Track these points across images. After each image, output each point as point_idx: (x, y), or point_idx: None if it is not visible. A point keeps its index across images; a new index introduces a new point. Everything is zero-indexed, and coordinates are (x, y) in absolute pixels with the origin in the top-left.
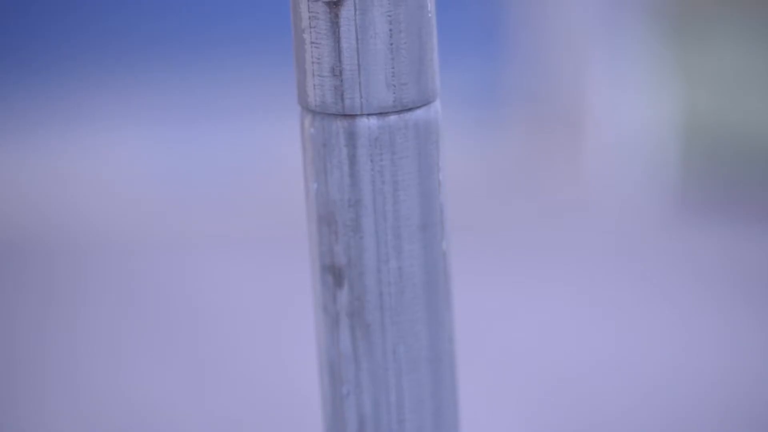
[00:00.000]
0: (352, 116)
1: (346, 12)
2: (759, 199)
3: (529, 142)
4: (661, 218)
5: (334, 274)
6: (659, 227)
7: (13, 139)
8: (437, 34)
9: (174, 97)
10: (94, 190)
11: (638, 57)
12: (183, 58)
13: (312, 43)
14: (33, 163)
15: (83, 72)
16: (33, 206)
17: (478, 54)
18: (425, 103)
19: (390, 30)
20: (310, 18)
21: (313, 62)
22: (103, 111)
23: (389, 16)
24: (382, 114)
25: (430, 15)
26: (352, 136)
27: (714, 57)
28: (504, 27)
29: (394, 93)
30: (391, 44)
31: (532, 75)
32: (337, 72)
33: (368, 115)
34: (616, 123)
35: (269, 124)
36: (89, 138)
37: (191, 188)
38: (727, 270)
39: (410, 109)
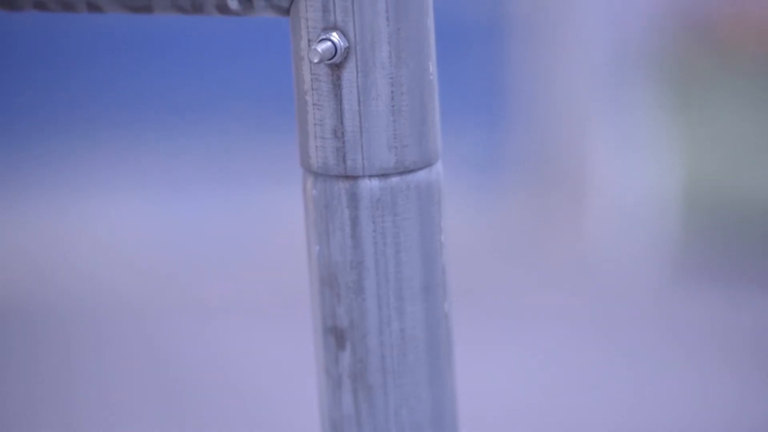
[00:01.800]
0: (354, 178)
1: (348, 74)
2: (761, 265)
3: (530, 206)
4: (662, 283)
5: (336, 336)
6: (660, 292)
7: (17, 203)
8: (439, 97)
9: (179, 160)
10: (98, 254)
11: (640, 122)
12: (188, 122)
13: (314, 105)
14: (37, 228)
15: (86, 136)
16: (37, 271)
17: (481, 118)
18: (427, 164)
19: (392, 92)
20: (312, 80)
21: (315, 124)
22: (107, 175)
23: (391, 78)
24: (384, 175)
25: (431, 77)
26: (354, 198)
27: (716, 122)
28: (506, 91)
29: (395, 154)
30: (393, 106)
31: (535, 139)
32: (339, 134)
33: (370, 176)
34: (618, 188)
35: (271, 186)
36: (92, 202)
37: (193, 252)
38: (729, 335)
39: (412, 171)
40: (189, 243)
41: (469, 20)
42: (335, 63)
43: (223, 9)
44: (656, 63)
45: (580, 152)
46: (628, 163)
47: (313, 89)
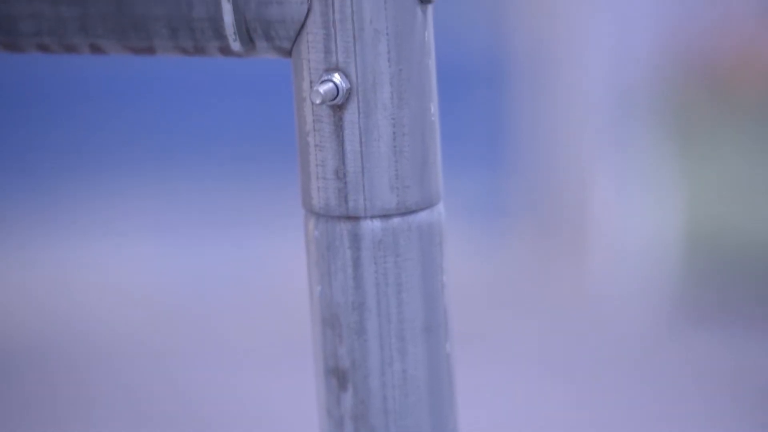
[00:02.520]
0: (356, 218)
1: (350, 115)
2: (764, 309)
3: (531, 250)
4: (664, 328)
5: (338, 377)
6: (662, 337)
7: (21, 246)
8: (440, 138)
9: (178, 204)
10: (103, 297)
11: (642, 165)
12: (191, 164)
13: (316, 145)
14: (39, 271)
15: (86, 182)
16: (42, 313)
17: (482, 161)
18: (429, 205)
19: (393, 133)
20: (314, 121)
21: (317, 165)
22: (110, 217)
23: (393, 119)
24: (385, 216)
25: (433, 118)
26: (356, 239)
27: (718, 165)
28: (508, 134)
29: (397, 195)
30: (395, 147)
31: (536, 182)
32: (341, 174)
33: (372, 217)
34: (620, 231)
35: (273, 228)
36: (96, 245)
37: (197, 294)
38: (732, 380)
39: (414, 212)
40: (192, 285)
41: (471, 63)
42: (337, 104)
43: (226, 51)
44: (658, 106)
45: (582, 195)
46: (630, 206)
47: (315, 130)
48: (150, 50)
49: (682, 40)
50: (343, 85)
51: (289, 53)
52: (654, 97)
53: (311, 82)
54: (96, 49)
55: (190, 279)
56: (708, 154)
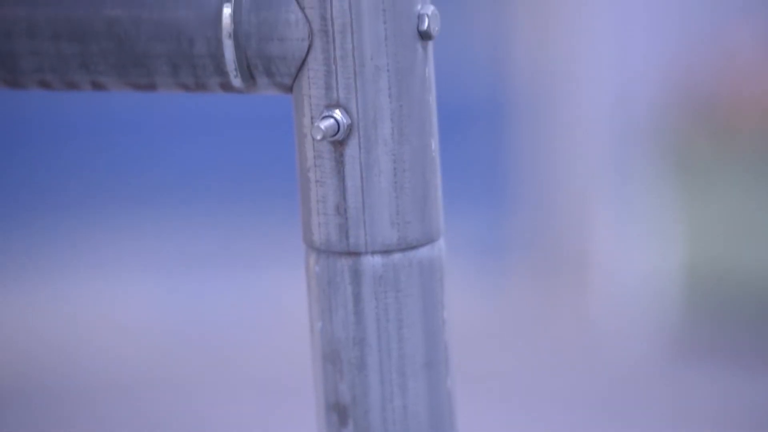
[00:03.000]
0: (357, 254)
1: (351, 151)
2: (765, 346)
3: (532, 287)
4: (664, 365)
5: (338, 412)
6: (663, 374)
7: (23, 283)
8: (441, 175)
9: (182, 240)
10: (106, 334)
11: (643, 202)
12: (191, 201)
13: (317, 181)
14: (44, 307)
15: (91, 216)
16: (39, 348)
17: (482, 199)
18: (429, 241)
19: (394, 169)
20: (314, 157)
21: (317, 201)
22: (113, 255)
23: (393, 154)
24: (386, 252)
25: (434, 154)
26: (356, 274)
27: (719, 202)
28: (509, 171)
29: (398, 231)
30: (396, 183)
31: (537, 219)
32: (341, 210)
33: (373, 253)
34: (621, 269)
35: (274, 264)
36: (99, 282)
37: (195, 331)
38: (733, 417)
39: (414, 247)
40: (195, 322)
41: (472, 100)
42: (338, 140)
43: (227, 87)
44: (659, 143)
45: (583, 233)
46: (631, 244)
47: (315, 166)
48: (151, 87)
49: (684, 77)
50: (344, 121)
51: (290, 89)
52: (655, 134)
53: (312, 118)
54: (97, 86)
55: (192, 315)
56: (709, 192)
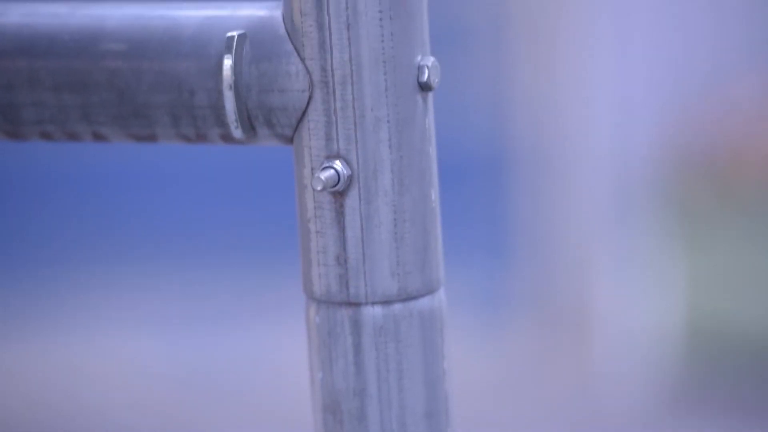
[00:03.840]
0: (357, 304)
1: (351, 201)
2: (765, 400)
3: (532, 338)
4: (665, 420)
5: None
6: (663, 428)
7: (20, 336)
8: (441, 226)
9: (179, 294)
10: (97, 390)
11: (643, 254)
12: (190, 254)
13: (317, 232)
14: (38, 360)
15: (86, 273)
16: (37, 403)
17: (482, 251)
18: (430, 291)
19: (394, 219)
20: (315, 208)
21: (318, 251)
22: (111, 310)
23: (394, 205)
24: (386, 302)
25: (434, 205)
26: (357, 325)
27: (719, 255)
28: (509, 222)
29: (398, 281)
30: (396, 233)
31: (537, 271)
32: (341, 261)
33: (373, 303)
34: (621, 321)
35: (274, 317)
36: (99, 337)
37: (196, 386)
38: None
39: (415, 298)
40: (194, 374)
41: (472, 152)
42: (338, 191)
43: (227, 138)
44: (659, 195)
45: (584, 285)
46: (632, 298)
47: (316, 217)
48: (152, 137)
49: (684, 128)
50: (345, 171)
51: (290, 140)
52: (656, 186)
53: (312, 169)
54: (98, 137)
55: (193, 369)
56: (710, 244)
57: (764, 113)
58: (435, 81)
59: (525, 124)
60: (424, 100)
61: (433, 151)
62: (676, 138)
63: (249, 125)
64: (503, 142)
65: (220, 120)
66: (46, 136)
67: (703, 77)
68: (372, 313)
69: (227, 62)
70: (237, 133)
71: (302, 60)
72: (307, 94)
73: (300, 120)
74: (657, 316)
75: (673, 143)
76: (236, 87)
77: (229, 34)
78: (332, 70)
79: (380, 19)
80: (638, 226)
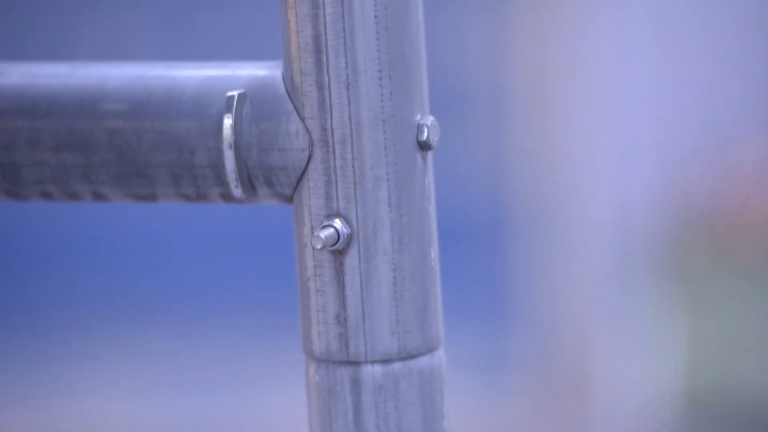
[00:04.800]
0: (357, 363)
1: (351, 260)
2: None
3: (531, 405)
4: None
5: None
6: None
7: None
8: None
9: (178, 357)
10: None
11: (643, 316)
12: (185, 317)
13: (317, 291)
14: (38, 426)
15: (81, 340)
16: None
17: (480, 313)
18: (429, 350)
19: (394, 278)
20: (315, 266)
21: (317, 310)
22: (109, 375)
23: (393, 264)
24: (386, 361)
25: (433, 263)
26: (356, 384)
27: (718, 317)
28: (509, 286)
29: (398, 340)
30: (395, 292)
31: (537, 334)
32: (341, 319)
33: (373, 362)
34: (620, 387)
35: (272, 376)
36: (98, 403)
37: None
38: None
39: (414, 357)
40: None
41: (472, 217)
42: (338, 249)
43: (227, 197)
44: (659, 257)
45: (583, 349)
46: (631, 360)
47: (315, 275)
48: (152, 197)
49: (684, 190)
50: (344, 230)
51: (290, 199)
52: (656, 248)
53: (312, 227)
54: (98, 196)
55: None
56: (710, 307)
57: (766, 175)
58: (434, 140)
59: (524, 185)
60: (424, 158)
61: (432, 209)
62: (677, 198)
63: (249, 184)
64: (502, 203)
65: (221, 179)
66: (47, 195)
67: (705, 137)
68: (372, 371)
69: (227, 121)
70: (237, 192)
71: (302, 119)
72: (306, 153)
73: (300, 179)
74: (657, 379)
75: (674, 204)
76: (236, 146)
77: (230, 93)
78: (332, 129)
79: (380, 79)
80: (638, 288)
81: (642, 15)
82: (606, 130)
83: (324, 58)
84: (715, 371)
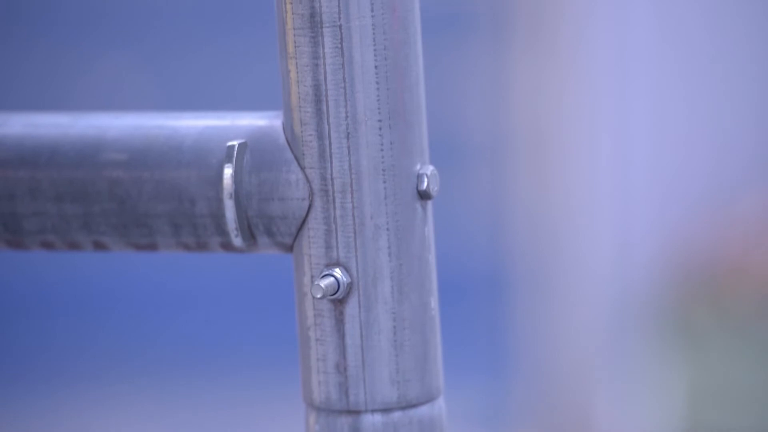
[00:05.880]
0: (357, 412)
1: (351, 309)
2: None
3: None
4: None
5: None
6: None
7: None
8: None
9: (177, 406)
10: None
11: (642, 368)
12: (185, 366)
13: (317, 340)
14: None
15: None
16: None
17: (480, 365)
18: (429, 399)
19: (394, 327)
20: (315, 316)
21: (317, 359)
22: (113, 421)
23: (393, 313)
24: (386, 410)
25: (433, 312)
26: None
27: (717, 371)
28: (509, 338)
29: (398, 389)
30: (395, 341)
31: (537, 386)
32: (341, 368)
33: (372, 411)
34: None
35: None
36: None
37: None
38: None
39: (414, 406)
40: None
41: (471, 269)
42: (338, 298)
43: (228, 247)
44: (657, 311)
45: (583, 400)
46: (631, 411)
47: (315, 324)
48: (152, 246)
49: (684, 243)
50: (344, 279)
51: (290, 248)
52: (655, 300)
53: (312, 276)
54: (99, 246)
55: None
56: (708, 358)
57: (766, 229)
58: (434, 189)
59: (524, 236)
60: (424, 208)
61: (432, 258)
62: (676, 254)
63: (249, 234)
64: (502, 254)
65: (221, 228)
66: (48, 245)
67: (707, 190)
68: (372, 420)
69: (228, 171)
70: (237, 241)
71: (302, 169)
72: (307, 203)
73: (300, 228)
74: (657, 426)
75: (673, 259)
76: (237, 196)
77: (230, 143)
78: (332, 179)
79: (380, 128)
80: (638, 341)
81: (644, 62)
82: (607, 181)
83: (324, 108)
84: (712, 422)
